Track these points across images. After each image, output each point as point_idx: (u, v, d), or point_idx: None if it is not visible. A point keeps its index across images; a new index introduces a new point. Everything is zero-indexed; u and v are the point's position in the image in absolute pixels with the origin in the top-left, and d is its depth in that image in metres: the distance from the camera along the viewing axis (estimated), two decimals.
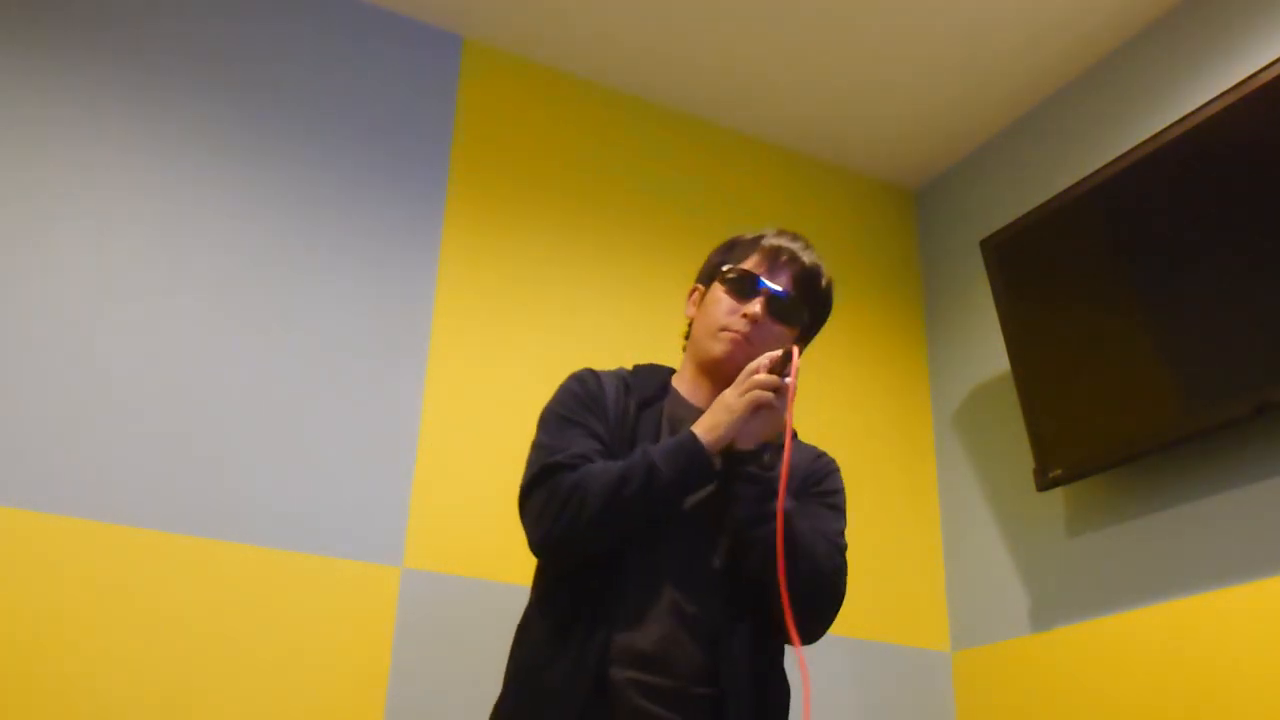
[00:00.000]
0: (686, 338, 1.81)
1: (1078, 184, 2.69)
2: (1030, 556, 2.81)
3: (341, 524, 2.38)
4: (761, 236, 1.75)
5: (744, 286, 1.69)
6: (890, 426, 3.15)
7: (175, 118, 2.52)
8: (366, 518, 2.41)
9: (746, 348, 1.66)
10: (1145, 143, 2.53)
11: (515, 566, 2.42)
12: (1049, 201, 2.75)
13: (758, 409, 1.55)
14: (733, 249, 1.77)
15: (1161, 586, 2.47)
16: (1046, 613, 2.73)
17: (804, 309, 1.73)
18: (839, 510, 1.71)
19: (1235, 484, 2.37)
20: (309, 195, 2.60)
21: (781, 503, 1.49)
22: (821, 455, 1.76)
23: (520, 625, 1.63)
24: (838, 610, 1.62)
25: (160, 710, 2.12)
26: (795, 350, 1.55)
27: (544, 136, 2.95)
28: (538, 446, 1.61)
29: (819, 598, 1.58)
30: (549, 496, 1.51)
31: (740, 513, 1.55)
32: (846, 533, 1.72)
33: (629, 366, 1.78)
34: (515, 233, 2.80)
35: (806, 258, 1.73)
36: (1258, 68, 2.35)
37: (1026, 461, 2.78)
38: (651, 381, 1.73)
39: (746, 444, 1.56)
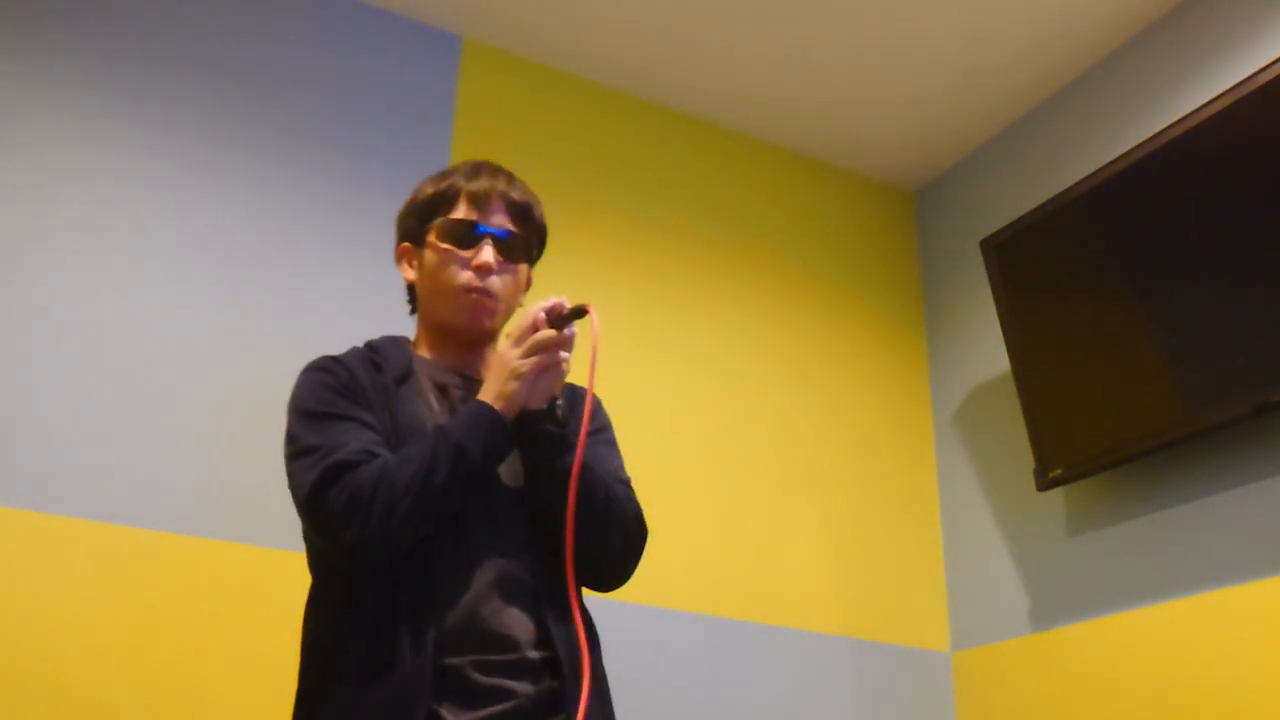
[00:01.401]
0: (411, 302, 1.71)
1: (1078, 184, 2.69)
2: (1030, 556, 2.81)
3: None
4: (454, 179, 1.64)
5: (463, 236, 1.60)
6: (890, 426, 3.15)
7: (174, 117, 2.52)
8: None
9: (489, 302, 1.59)
10: (1145, 143, 2.53)
11: None
12: (1049, 201, 2.75)
13: (545, 370, 1.49)
14: (433, 200, 1.64)
15: (1161, 586, 2.47)
16: (1046, 613, 2.73)
17: (530, 241, 1.66)
18: (615, 445, 1.67)
19: (1235, 484, 2.37)
20: (309, 195, 2.60)
21: (578, 467, 1.45)
22: (578, 388, 1.66)
23: (314, 642, 1.53)
24: (644, 546, 1.59)
25: (160, 710, 2.12)
26: (590, 308, 1.48)
27: (544, 136, 2.95)
28: (307, 450, 1.47)
29: (632, 540, 1.55)
30: (350, 498, 1.39)
31: (542, 472, 1.50)
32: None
33: (360, 344, 1.67)
34: None
35: (514, 191, 1.64)
36: (1258, 68, 2.35)
37: (1026, 461, 2.78)
38: (398, 354, 1.62)
39: (536, 403, 1.50)
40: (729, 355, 3.00)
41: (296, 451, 1.51)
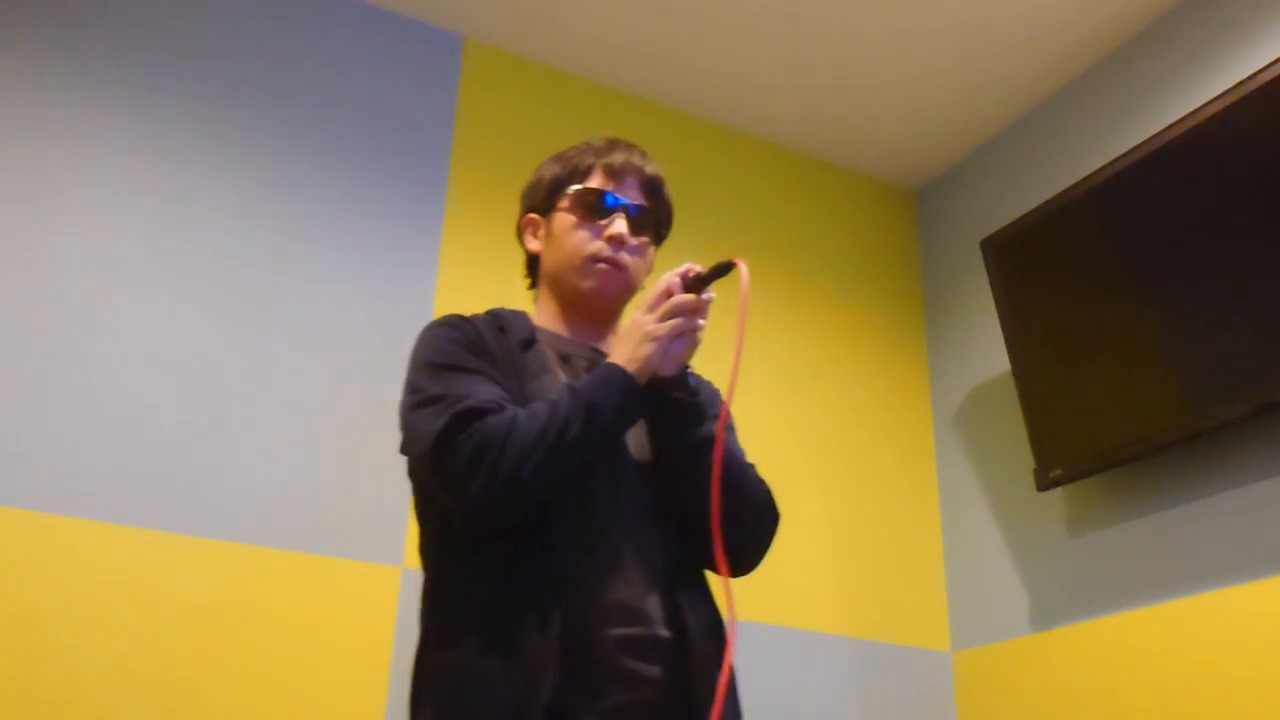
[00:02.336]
0: (531, 275, 1.68)
1: (1078, 184, 2.69)
2: (1030, 556, 2.81)
3: (341, 524, 2.38)
4: (592, 152, 1.62)
5: (595, 207, 1.57)
6: (890, 426, 3.15)
7: (175, 117, 2.52)
8: (366, 518, 2.41)
9: (618, 274, 1.56)
10: (1145, 143, 2.53)
11: None
12: (1049, 201, 2.75)
13: (680, 335, 1.45)
14: (566, 171, 1.63)
15: (1161, 586, 2.47)
16: (1046, 613, 2.73)
17: (660, 218, 1.64)
18: (734, 430, 1.64)
19: (1235, 484, 2.37)
20: (309, 195, 2.60)
21: (721, 430, 1.40)
22: (703, 379, 1.62)
23: (438, 623, 1.44)
24: (775, 530, 1.54)
25: (160, 710, 2.12)
26: (740, 264, 1.42)
27: (544, 136, 2.95)
28: (432, 399, 1.40)
29: (764, 522, 1.51)
30: (480, 444, 1.32)
31: (672, 443, 1.46)
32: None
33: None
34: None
35: (648, 166, 1.62)
36: (1258, 68, 2.35)
37: (1026, 461, 2.78)
38: (521, 321, 1.57)
39: (669, 370, 1.45)
40: (729, 355, 2.99)
41: (419, 401, 1.42)
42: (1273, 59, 2.32)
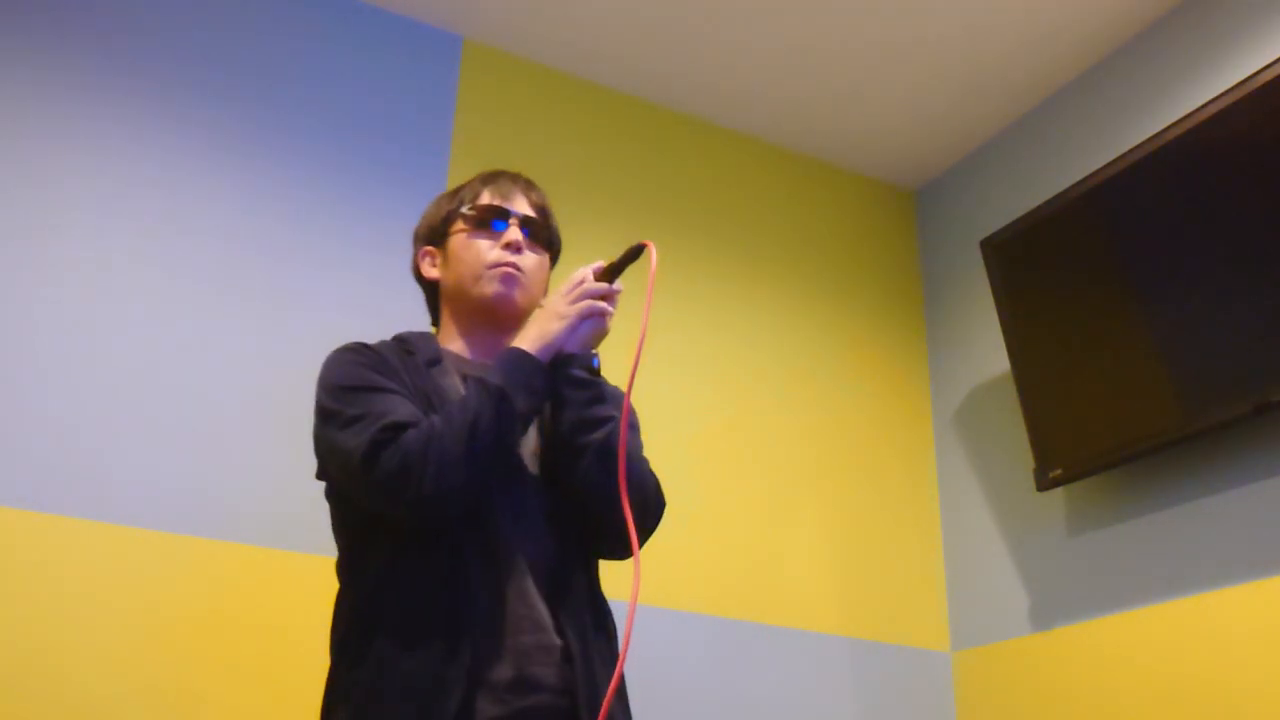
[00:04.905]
0: (431, 308, 1.72)
1: (1078, 184, 2.69)
2: (1030, 556, 2.81)
3: None
4: (479, 180, 1.69)
5: (490, 221, 1.62)
6: (890, 426, 3.15)
7: (175, 117, 2.52)
8: None
9: (518, 278, 1.60)
10: (1145, 143, 2.53)
11: None
12: (1049, 201, 2.75)
13: (589, 317, 1.50)
14: (458, 198, 1.68)
15: (1161, 586, 2.47)
16: (1046, 613, 2.73)
17: (552, 235, 1.69)
18: (637, 430, 1.65)
19: (1235, 484, 2.37)
20: (308, 195, 2.60)
21: (628, 403, 1.44)
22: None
23: (351, 635, 1.45)
24: (659, 521, 1.58)
25: (160, 710, 2.12)
26: (650, 246, 1.47)
27: (544, 137, 2.95)
28: (352, 420, 1.43)
29: (651, 506, 1.53)
30: (404, 457, 1.37)
31: (570, 417, 1.48)
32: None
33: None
34: None
35: (534, 191, 1.68)
36: (1258, 68, 2.36)
37: (1026, 461, 2.78)
38: (427, 343, 1.61)
39: (574, 348, 1.51)
40: (729, 356, 3.00)
41: (339, 424, 1.46)
42: (1273, 59, 2.32)
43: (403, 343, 1.61)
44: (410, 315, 2.63)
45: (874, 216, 3.38)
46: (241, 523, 2.30)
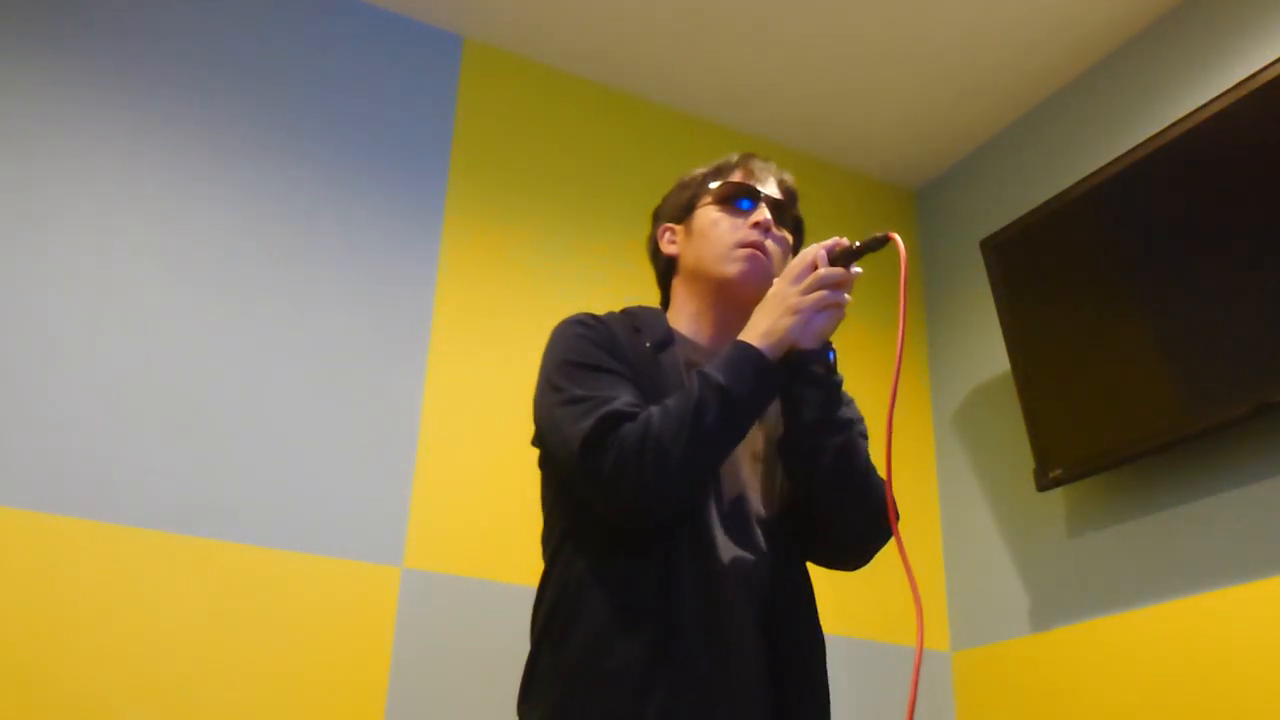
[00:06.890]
0: (666, 281, 1.66)
1: (1078, 184, 2.69)
2: (1030, 556, 2.81)
3: (341, 524, 2.38)
4: (732, 160, 1.66)
5: (740, 199, 1.58)
6: None
7: (175, 118, 2.52)
8: (366, 518, 2.41)
9: (763, 261, 1.54)
10: (1145, 143, 2.53)
11: (515, 566, 2.43)
12: (1049, 201, 2.75)
13: (825, 309, 1.40)
14: (707, 174, 1.65)
15: (1161, 586, 2.47)
16: (1046, 613, 2.73)
17: (798, 219, 1.66)
18: (866, 438, 1.58)
19: (1235, 484, 2.37)
20: (309, 195, 2.60)
21: (893, 397, 1.35)
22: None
23: (555, 620, 1.43)
24: (885, 540, 1.52)
25: (160, 710, 2.12)
26: (895, 237, 1.36)
27: (544, 136, 2.95)
28: (575, 400, 1.39)
29: (882, 513, 1.45)
30: (621, 452, 1.31)
31: (808, 417, 1.41)
32: None
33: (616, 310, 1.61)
34: (515, 232, 2.80)
35: (785, 174, 1.67)
36: (1258, 68, 2.35)
37: (1026, 461, 2.78)
38: (658, 322, 1.55)
39: (808, 344, 1.40)
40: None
41: (563, 400, 1.41)
42: (1273, 59, 2.32)
43: (632, 318, 1.56)
44: (408, 312, 2.64)
45: (874, 215, 3.38)
46: (241, 523, 2.30)
